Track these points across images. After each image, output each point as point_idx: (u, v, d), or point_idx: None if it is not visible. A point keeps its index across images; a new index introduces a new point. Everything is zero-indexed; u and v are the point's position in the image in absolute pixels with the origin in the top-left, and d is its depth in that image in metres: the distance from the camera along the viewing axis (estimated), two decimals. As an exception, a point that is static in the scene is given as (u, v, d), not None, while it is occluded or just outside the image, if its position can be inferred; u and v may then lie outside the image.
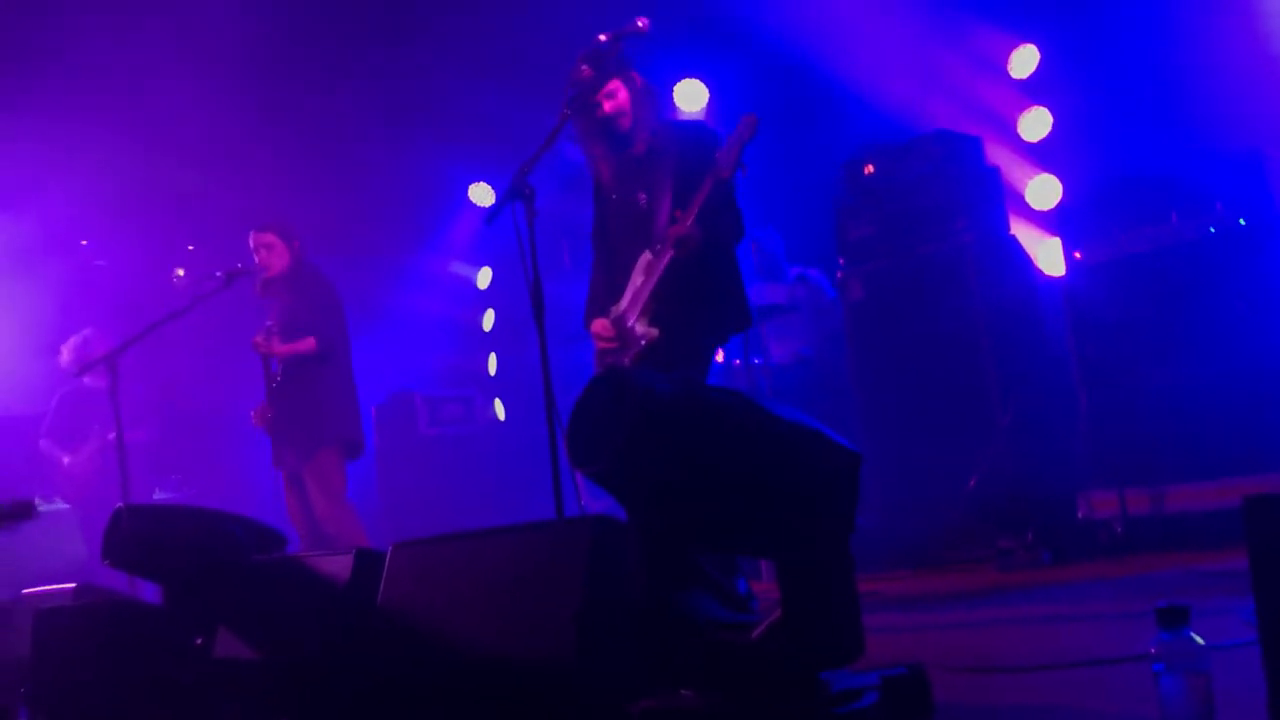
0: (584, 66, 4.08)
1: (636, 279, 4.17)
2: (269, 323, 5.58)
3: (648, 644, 2.22)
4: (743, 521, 2.11)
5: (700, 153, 4.07)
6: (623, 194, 4.30)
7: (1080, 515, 4.99)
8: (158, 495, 7.26)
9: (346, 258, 7.97)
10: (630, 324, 4.14)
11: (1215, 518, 4.47)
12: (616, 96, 4.16)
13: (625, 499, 2.19)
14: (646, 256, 4.14)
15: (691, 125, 4.44)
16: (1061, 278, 5.42)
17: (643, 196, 4.20)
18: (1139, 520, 4.80)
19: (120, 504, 3.68)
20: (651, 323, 4.09)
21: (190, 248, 8.72)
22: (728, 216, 4.11)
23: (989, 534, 5.07)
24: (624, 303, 4.21)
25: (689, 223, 3.93)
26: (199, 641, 3.37)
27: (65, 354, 7.14)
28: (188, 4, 7.06)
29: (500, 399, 9.29)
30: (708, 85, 7.98)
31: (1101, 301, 5.03)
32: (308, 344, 5.53)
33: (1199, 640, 1.70)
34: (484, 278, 9.81)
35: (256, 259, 5.68)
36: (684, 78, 8.03)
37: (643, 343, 4.09)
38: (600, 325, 4.26)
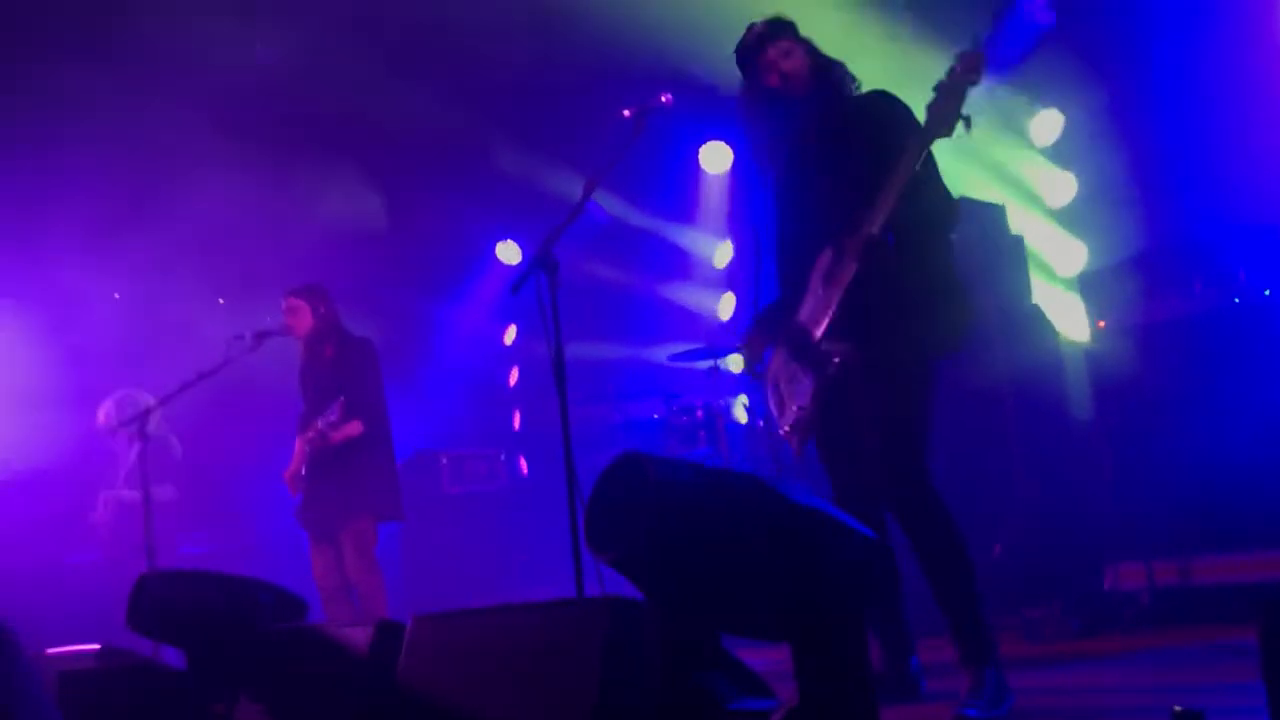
0: (754, 25, 3.53)
1: (817, 285, 3.38)
2: (315, 404, 5.62)
3: (665, 728, 2.22)
4: (758, 608, 2.12)
5: (897, 120, 3.33)
6: (798, 174, 3.56)
7: (1107, 586, 4.94)
8: (184, 550, 7.31)
9: (372, 313, 8.05)
10: (816, 340, 3.35)
11: (1243, 591, 4.43)
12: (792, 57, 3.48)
13: (642, 584, 2.21)
14: (827, 257, 3.35)
15: (881, 93, 3.50)
16: (1086, 345, 5.42)
17: (824, 178, 3.45)
18: (1166, 592, 4.76)
19: (145, 565, 3.71)
20: (841, 339, 3.29)
21: (220, 301, 8.86)
22: (933, 195, 3.32)
23: (1015, 603, 5.02)
24: (802, 316, 3.43)
25: (877, 226, 3.16)
26: (220, 708, 3.39)
27: (105, 412, 7.21)
28: (211, 56, 7.18)
29: (524, 455, 9.33)
30: (733, 148, 8.07)
31: (1126, 369, 5.02)
32: (355, 428, 5.59)
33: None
34: (510, 334, 9.91)
35: (285, 320, 5.79)
36: (709, 140, 8.14)
37: (835, 360, 3.30)
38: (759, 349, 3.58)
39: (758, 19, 3.60)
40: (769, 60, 3.48)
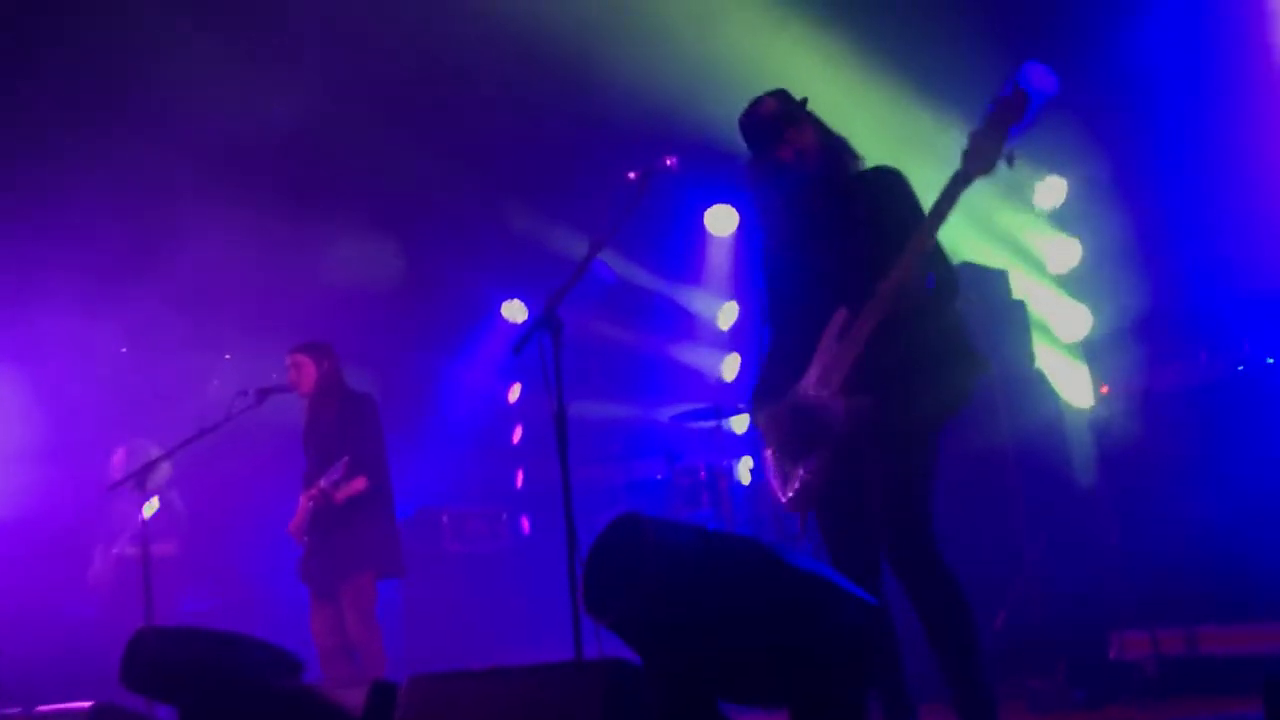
0: (767, 99, 3.54)
1: (829, 346, 3.37)
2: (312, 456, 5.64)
3: (661, 796, 2.19)
4: (757, 673, 2.09)
5: (897, 195, 3.40)
6: (798, 247, 3.57)
7: (1112, 655, 4.88)
8: (185, 607, 7.27)
9: (377, 368, 8.06)
10: (827, 399, 3.33)
11: (1249, 662, 4.37)
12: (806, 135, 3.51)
13: (640, 647, 2.18)
14: (842, 315, 3.34)
15: (883, 169, 3.53)
16: (1089, 410, 5.41)
17: (825, 249, 3.46)
18: (1172, 661, 4.69)
19: (144, 621, 3.68)
20: (856, 394, 3.27)
21: (227, 356, 8.89)
22: (934, 264, 3.34)
23: (1019, 672, 4.96)
24: (810, 379, 3.40)
25: (913, 267, 3.16)
26: (212, 769, 3.34)
27: (117, 460, 7.20)
28: (218, 111, 7.25)
29: (527, 514, 9.28)
30: (739, 210, 8.13)
31: (1130, 435, 5.00)
32: (359, 485, 5.59)
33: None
34: (514, 393, 9.92)
35: (289, 376, 5.81)
36: (714, 202, 8.21)
37: (842, 418, 3.28)
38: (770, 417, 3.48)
39: (762, 88, 3.61)
40: (786, 138, 3.49)
